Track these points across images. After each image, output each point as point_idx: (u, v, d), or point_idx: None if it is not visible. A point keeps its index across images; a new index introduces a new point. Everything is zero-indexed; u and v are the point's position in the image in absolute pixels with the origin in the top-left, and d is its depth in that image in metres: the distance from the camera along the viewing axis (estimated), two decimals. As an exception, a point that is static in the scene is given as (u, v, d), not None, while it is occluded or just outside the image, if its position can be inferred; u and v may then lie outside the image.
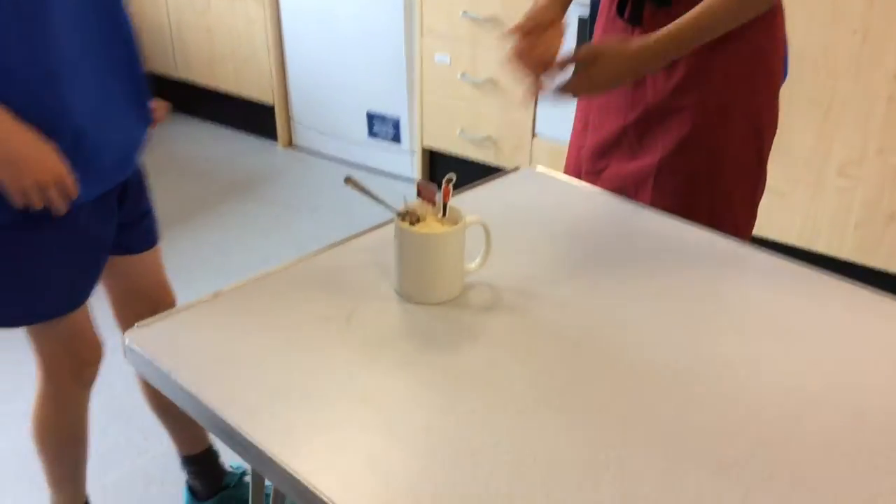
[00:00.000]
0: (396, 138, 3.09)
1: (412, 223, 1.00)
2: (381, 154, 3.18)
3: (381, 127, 3.10)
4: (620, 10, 1.46)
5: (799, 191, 2.32)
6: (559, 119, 2.62)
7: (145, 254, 1.42)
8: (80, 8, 1.14)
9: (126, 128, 1.26)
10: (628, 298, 1.04)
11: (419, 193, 1.02)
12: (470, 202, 1.26)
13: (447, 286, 1.01)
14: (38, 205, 1.12)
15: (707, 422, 0.83)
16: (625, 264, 1.12)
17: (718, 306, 1.04)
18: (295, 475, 0.75)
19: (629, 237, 1.20)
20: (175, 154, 3.37)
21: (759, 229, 1.56)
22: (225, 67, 3.36)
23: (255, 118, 3.46)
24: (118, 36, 1.22)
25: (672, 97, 1.40)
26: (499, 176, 1.34)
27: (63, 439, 1.47)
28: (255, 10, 3.21)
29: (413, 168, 3.10)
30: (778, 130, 1.44)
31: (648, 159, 1.48)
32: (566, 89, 1.31)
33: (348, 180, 1.02)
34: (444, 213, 1.02)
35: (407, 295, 1.01)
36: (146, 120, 1.30)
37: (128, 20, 1.24)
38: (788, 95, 1.58)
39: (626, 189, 1.52)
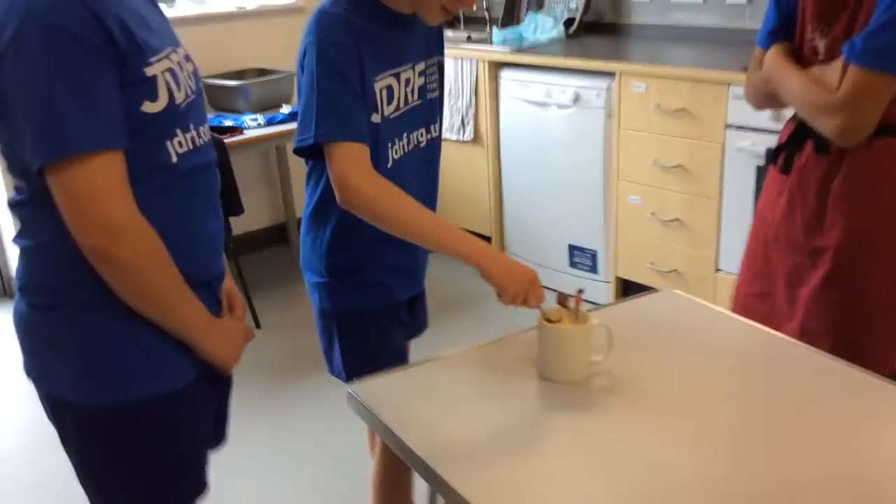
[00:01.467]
0: (594, 269, 3.44)
1: (552, 322, 1.36)
2: (580, 282, 3.54)
3: (581, 258, 3.48)
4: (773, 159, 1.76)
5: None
6: (741, 256, 2.85)
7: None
8: (418, 167, 1.63)
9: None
10: (731, 411, 1.28)
11: (559, 301, 1.38)
12: (609, 312, 1.59)
13: (574, 370, 1.35)
14: (520, 302, 1.42)
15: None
16: (738, 383, 1.34)
17: (837, 439, 1.17)
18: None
19: (749, 359, 1.41)
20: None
21: None
22: (452, 203, 3.94)
23: (475, 247, 3.97)
24: (434, 183, 1.71)
25: (818, 239, 1.66)
26: (641, 295, 1.66)
27: None
28: (481, 157, 3.79)
29: (607, 296, 3.43)
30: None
31: (798, 292, 1.72)
32: None
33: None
34: (577, 316, 1.37)
35: (545, 375, 1.36)
36: None
37: (438, 174, 1.72)
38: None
39: (782, 318, 1.75)
